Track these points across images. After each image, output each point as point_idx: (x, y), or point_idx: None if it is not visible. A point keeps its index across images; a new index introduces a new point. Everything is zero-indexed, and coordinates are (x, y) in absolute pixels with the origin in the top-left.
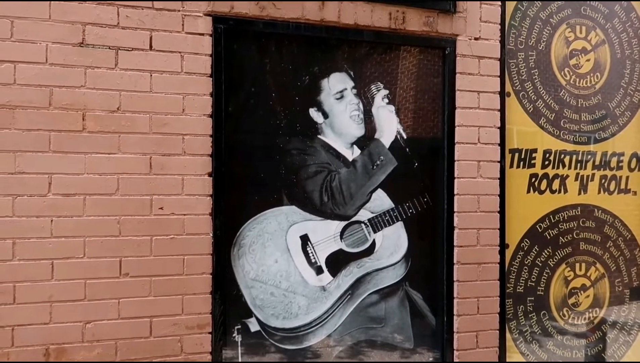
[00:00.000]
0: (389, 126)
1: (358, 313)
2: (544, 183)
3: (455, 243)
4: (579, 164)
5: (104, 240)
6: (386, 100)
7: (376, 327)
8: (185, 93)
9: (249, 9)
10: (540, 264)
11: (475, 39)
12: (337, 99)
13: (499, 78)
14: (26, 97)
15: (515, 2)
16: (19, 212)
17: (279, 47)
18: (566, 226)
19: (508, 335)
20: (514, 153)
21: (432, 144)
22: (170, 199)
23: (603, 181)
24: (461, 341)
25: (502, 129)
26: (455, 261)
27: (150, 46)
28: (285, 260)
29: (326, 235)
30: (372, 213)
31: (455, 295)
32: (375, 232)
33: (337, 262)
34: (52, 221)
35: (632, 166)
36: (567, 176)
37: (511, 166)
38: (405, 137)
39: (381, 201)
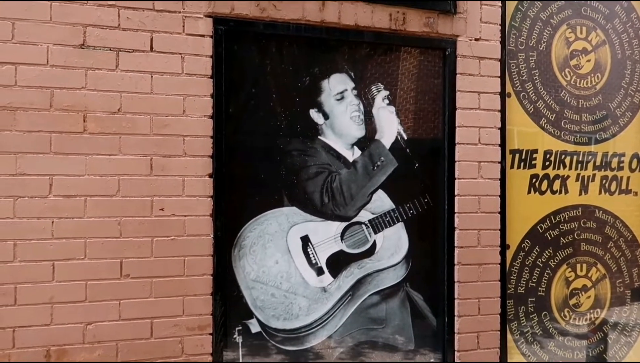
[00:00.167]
0: (390, 127)
1: (359, 314)
2: (545, 183)
3: (456, 244)
4: (579, 165)
5: (104, 241)
6: (387, 101)
7: (377, 328)
8: (186, 94)
9: (250, 10)
10: (541, 265)
11: (476, 39)
12: (338, 100)
13: (499, 79)
14: (27, 98)
15: (515, 2)
16: (20, 213)
17: (279, 48)
18: (567, 226)
19: (509, 335)
20: (515, 154)
21: (432, 145)
22: (171, 201)
23: (604, 181)
24: (462, 342)
25: (503, 129)
26: (456, 262)
27: (151, 47)
28: (286, 261)
29: (327, 236)
30: (372, 214)
31: (456, 296)
32: (375, 233)
33: (337, 263)
34: (53, 222)
35: (633, 166)
36: (568, 176)
37: (512, 166)
38: (405, 138)
39: (382, 202)
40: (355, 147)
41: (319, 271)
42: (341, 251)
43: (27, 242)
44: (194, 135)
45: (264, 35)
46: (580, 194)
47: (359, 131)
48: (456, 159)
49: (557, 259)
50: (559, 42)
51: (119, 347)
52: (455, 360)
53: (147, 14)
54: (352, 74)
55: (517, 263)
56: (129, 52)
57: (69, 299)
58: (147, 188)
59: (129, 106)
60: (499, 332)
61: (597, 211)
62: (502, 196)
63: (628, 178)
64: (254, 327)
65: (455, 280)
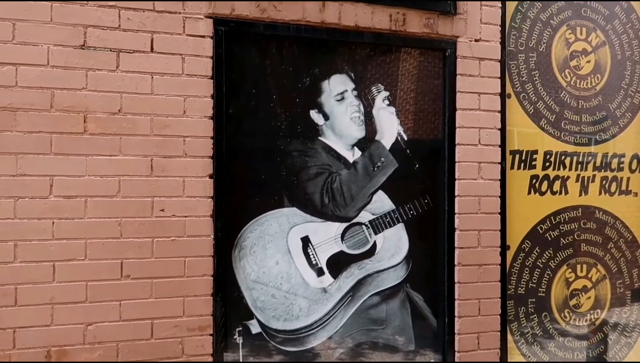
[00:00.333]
0: (390, 128)
1: (359, 314)
2: (545, 184)
3: (456, 245)
4: (579, 166)
5: (105, 242)
6: (387, 102)
7: (377, 329)
8: (186, 95)
9: (250, 11)
10: (542, 265)
11: (476, 40)
12: (338, 100)
13: (499, 80)
14: (28, 99)
15: (515, 3)
16: (20, 214)
17: (279, 49)
18: (567, 227)
19: (509, 336)
20: (515, 155)
21: (432, 145)
22: (171, 201)
23: (604, 182)
24: (462, 342)
25: (503, 130)
26: (456, 263)
27: (152, 48)
28: (286, 261)
29: (327, 237)
30: (373, 214)
31: (456, 297)
32: (376, 234)
33: (338, 264)
34: (53, 223)
35: (633, 167)
36: (568, 177)
37: (512, 167)
38: (405, 138)
39: (382, 202)
40: (355, 148)
41: (319, 272)
42: (341, 252)
43: (27, 243)
44: (194, 136)
45: (264, 36)
46: (580, 195)
47: (359, 132)
48: (456, 160)
49: (557, 260)
50: (558, 43)
51: (119, 348)
52: (456, 361)
53: (147, 15)
54: (352, 74)
55: (518, 264)
56: (130, 52)
57: (69, 300)
58: (147, 189)
59: (130, 107)
60: (499, 333)
61: (597, 211)
62: (502, 197)
63: (628, 178)
64: (255, 328)
65: (456, 280)
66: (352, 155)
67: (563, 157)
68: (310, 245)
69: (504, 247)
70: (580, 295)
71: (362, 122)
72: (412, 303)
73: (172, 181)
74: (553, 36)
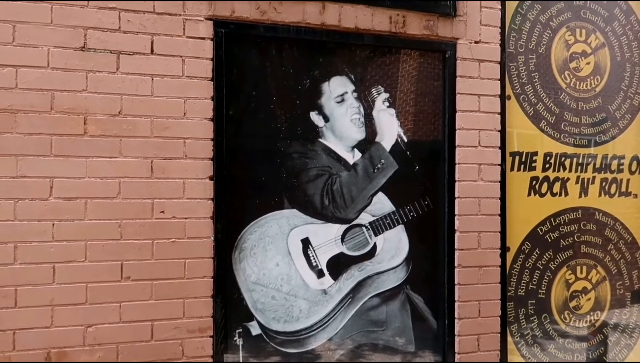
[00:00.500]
0: (390, 130)
1: (359, 316)
2: (545, 185)
3: (456, 246)
4: (579, 167)
5: (105, 244)
6: (387, 103)
7: (377, 330)
8: (187, 97)
9: (250, 13)
10: (542, 267)
11: (476, 42)
12: (338, 102)
13: (499, 81)
14: (28, 101)
15: (515, 4)
16: (20, 216)
17: (279, 51)
18: (567, 229)
19: (509, 338)
20: (515, 156)
21: (432, 147)
22: (172, 203)
23: (604, 184)
24: (462, 344)
25: (503, 132)
26: (456, 264)
27: (152, 50)
28: (287, 263)
29: (327, 238)
30: (373, 216)
31: (456, 298)
32: (376, 235)
33: (338, 265)
34: (53, 224)
35: (633, 168)
36: (568, 179)
37: (512, 169)
38: (405, 140)
39: (382, 204)
40: (355, 149)
41: (320, 274)
42: (342, 254)
43: (27, 244)
44: (194, 137)
45: (264, 38)
46: (580, 196)
47: (359, 134)
48: (456, 161)
49: (557, 261)
50: (558, 44)
51: (119, 349)
52: (456, 362)
53: (147, 17)
54: (352, 76)
55: (517, 266)
56: (130, 54)
57: (69, 301)
58: (147, 191)
59: (130, 109)
60: (499, 335)
61: (597, 213)
62: (502, 199)
63: (628, 180)
64: (255, 330)
65: (456, 282)
66: (352, 157)
67: (563, 158)
68: (310, 246)
69: (504, 249)
70: (580, 297)
71: (362, 124)
72: (412, 305)
73: (172, 183)
74: (553, 38)
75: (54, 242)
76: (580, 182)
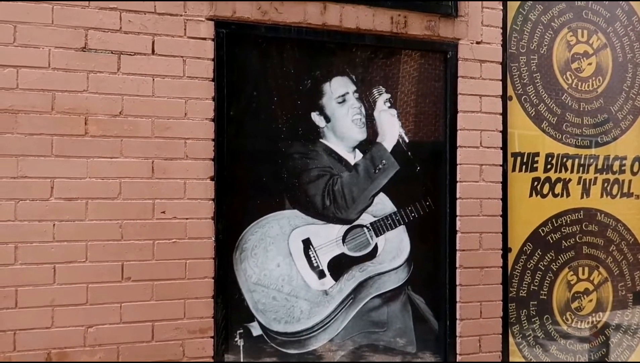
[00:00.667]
0: (391, 130)
1: (360, 317)
2: (547, 186)
3: (457, 247)
4: (581, 168)
5: (106, 244)
6: (388, 104)
7: (378, 331)
8: (188, 97)
9: (251, 13)
10: (543, 268)
11: (477, 42)
12: (339, 103)
13: (500, 82)
14: (29, 101)
15: (517, 5)
16: (21, 216)
17: (280, 51)
18: (569, 230)
19: (511, 339)
20: (516, 157)
21: (434, 147)
22: (173, 204)
23: (605, 184)
24: (464, 345)
25: (504, 132)
26: (457, 265)
27: (153, 51)
28: (288, 264)
29: (328, 239)
30: (374, 216)
31: (457, 299)
32: (377, 236)
33: (339, 266)
34: (54, 225)
35: (635, 169)
36: (570, 179)
37: (513, 169)
38: (407, 141)
39: (383, 205)
40: (356, 150)
41: (321, 274)
42: (343, 254)
43: (28, 245)
44: (195, 138)
45: (265, 39)
46: (582, 197)
47: (360, 134)
48: (458, 162)
49: (559, 262)
50: (560, 45)
51: (120, 350)
52: None
53: (148, 17)
54: (354, 77)
55: (519, 267)
56: (131, 55)
57: (70, 302)
58: (148, 191)
59: (131, 109)
60: (500, 336)
61: (598, 214)
62: (504, 199)
63: (630, 181)
64: (255, 330)
65: (457, 283)
66: (354, 157)
67: (564, 159)
68: (311, 247)
69: (506, 250)
70: (582, 298)
71: (364, 125)
72: (413, 306)
73: (173, 184)
74: (554, 38)
75: (54, 242)
76: (582, 183)
